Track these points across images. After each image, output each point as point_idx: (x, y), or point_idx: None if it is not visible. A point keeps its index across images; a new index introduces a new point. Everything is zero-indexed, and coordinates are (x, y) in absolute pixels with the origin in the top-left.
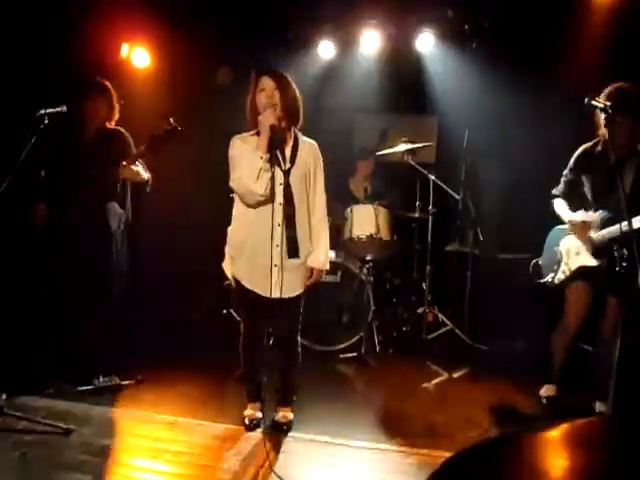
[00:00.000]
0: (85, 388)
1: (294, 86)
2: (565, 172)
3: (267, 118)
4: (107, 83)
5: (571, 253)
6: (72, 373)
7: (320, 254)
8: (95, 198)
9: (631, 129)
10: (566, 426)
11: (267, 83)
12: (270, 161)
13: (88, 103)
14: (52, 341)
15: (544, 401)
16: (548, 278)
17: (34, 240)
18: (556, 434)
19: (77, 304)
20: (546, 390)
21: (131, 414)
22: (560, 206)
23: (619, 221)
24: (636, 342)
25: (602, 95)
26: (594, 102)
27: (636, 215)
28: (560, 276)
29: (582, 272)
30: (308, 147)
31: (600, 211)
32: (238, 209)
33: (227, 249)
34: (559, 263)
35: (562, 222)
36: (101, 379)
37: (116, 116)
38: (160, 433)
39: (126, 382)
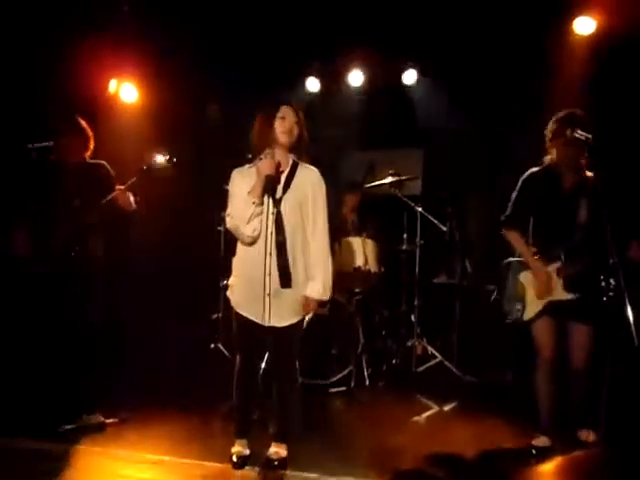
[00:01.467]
0: (68, 427)
1: None
2: (514, 196)
3: (265, 167)
4: (79, 119)
5: (536, 286)
6: (55, 411)
7: (318, 284)
8: (78, 229)
9: (580, 154)
10: (560, 459)
11: (289, 113)
12: (261, 205)
13: (61, 139)
14: (35, 379)
15: (533, 451)
16: (515, 315)
17: (16, 273)
18: (550, 467)
19: (61, 340)
20: (537, 441)
21: (115, 454)
22: (516, 241)
23: (582, 252)
24: (624, 371)
25: (552, 119)
26: (576, 134)
27: (596, 246)
28: (528, 312)
29: (551, 307)
30: (306, 174)
31: (561, 246)
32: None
33: (231, 278)
34: (523, 298)
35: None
36: (85, 418)
37: (90, 148)
38: (145, 473)
39: (110, 420)
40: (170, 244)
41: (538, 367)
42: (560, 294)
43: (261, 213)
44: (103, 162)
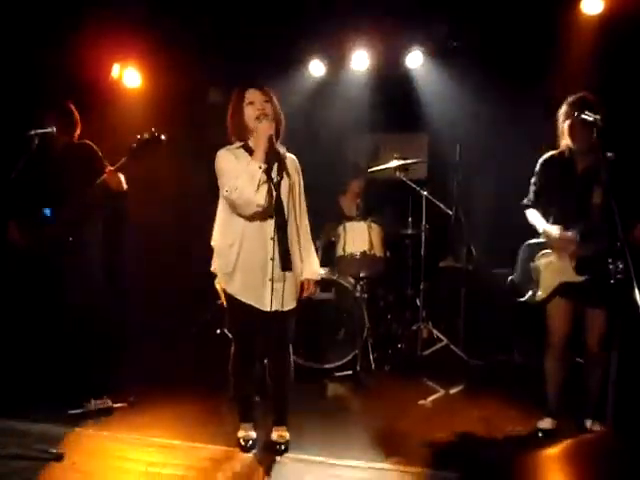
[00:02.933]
0: (76, 411)
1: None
2: (533, 180)
3: (266, 129)
4: (64, 101)
5: (550, 269)
6: (63, 396)
7: (313, 265)
8: (68, 212)
9: (590, 136)
10: (567, 443)
11: (256, 96)
12: (267, 172)
13: (44, 120)
14: (43, 363)
15: (540, 434)
16: (527, 296)
17: (15, 259)
18: (557, 451)
19: (64, 324)
20: (543, 423)
21: (123, 437)
22: (535, 217)
23: (597, 234)
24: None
25: (564, 105)
26: (584, 116)
27: (611, 227)
28: (540, 293)
29: (564, 288)
30: (291, 160)
31: (576, 226)
32: (227, 224)
33: (217, 266)
34: (538, 279)
35: (534, 236)
36: (92, 402)
37: (77, 130)
38: (153, 456)
39: (118, 404)
40: (174, 228)
41: (549, 349)
42: (572, 276)
43: (266, 181)
44: (87, 141)
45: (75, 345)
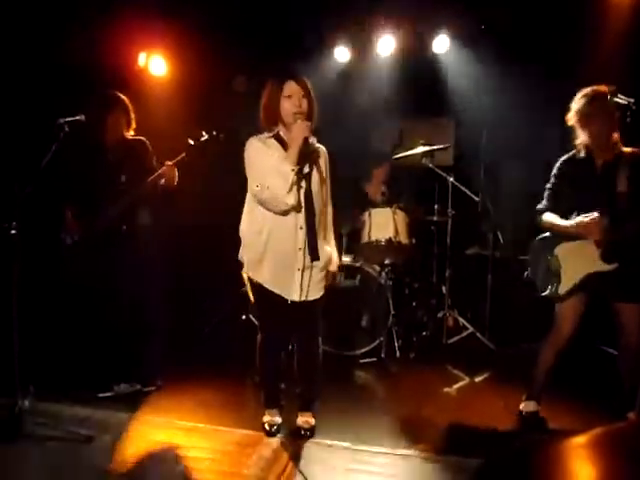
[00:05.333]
0: (105, 395)
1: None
2: (549, 185)
3: (302, 130)
4: (123, 96)
5: (573, 259)
6: (92, 379)
7: (334, 256)
8: (126, 206)
9: (612, 126)
10: (595, 431)
11: (294, 89)
12: (300, 174)
13: (107, 116)
14: (74, 347)
15: (524, 414)
16: (549, 291)
17: (63, 245)
18: (585, 440)
19: (105, 309)
20: (527, 406)
21: (151, 420)
22: (553, 218)
23: (627, 220)
24: None
25: (577, 97)
26: (617, 99)
27: (635, 217)
28: (562, 286)
29: (589, 280)
30: (322, 152)
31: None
32: (255, 213)
33: (245, 254)
34: (558, 272)
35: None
36: (121, 386)
37: (133, 126)
38: (180, 439)
39: (146, 388)
40: (200, 216)
41: (551, 340)
42: (598, 265)
43: (299, 182)
44: (143, 138)
45: (123, 332)
